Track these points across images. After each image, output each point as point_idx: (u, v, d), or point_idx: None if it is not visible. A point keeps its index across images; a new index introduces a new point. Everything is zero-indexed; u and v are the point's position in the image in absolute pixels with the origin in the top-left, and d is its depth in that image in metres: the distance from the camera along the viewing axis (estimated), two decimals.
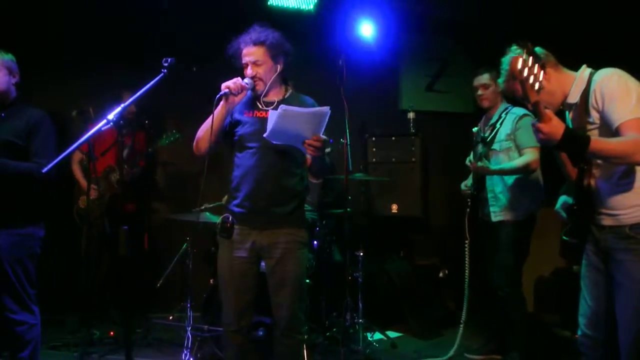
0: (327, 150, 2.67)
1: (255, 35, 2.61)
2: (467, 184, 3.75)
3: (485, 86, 3.69)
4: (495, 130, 3.61)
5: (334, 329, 4.04)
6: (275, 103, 2.64)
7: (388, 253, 5.03)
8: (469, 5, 4.98)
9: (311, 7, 4.96)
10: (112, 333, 4.19)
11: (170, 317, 4.36)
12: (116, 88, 4.41)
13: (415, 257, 5.26)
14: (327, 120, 2.42)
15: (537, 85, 1.92)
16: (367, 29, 5.02)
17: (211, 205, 4.18)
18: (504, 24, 4.83)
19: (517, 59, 1.90)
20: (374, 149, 5.12)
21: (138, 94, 2.17)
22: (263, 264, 2.69)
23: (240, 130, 2.64)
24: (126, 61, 4.75)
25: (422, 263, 5.09)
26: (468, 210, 3.59)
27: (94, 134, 2.01)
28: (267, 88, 2.64)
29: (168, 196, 5.14)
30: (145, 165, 4.64)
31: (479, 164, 3.47)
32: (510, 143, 3.53)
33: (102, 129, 2.04)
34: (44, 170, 1.95)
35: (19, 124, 2.85)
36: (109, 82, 4.60)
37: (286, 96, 2.72)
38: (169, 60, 2.32)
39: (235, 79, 2.54)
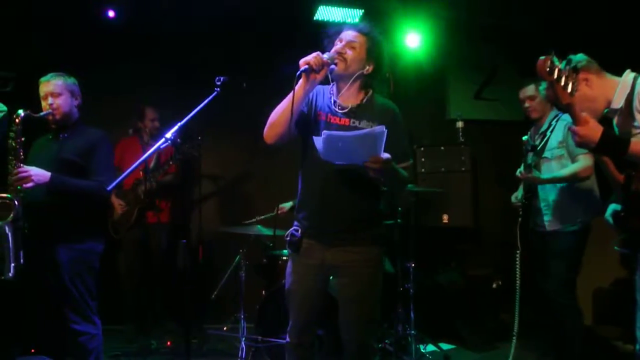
0: (405, 164, 2.41)
1: (361, 26, 2.46)
2: (517, 196, 3.69)
3: (531, 98, 3.64)
4: (546, 138, 3.54)
5: (386, 341, 4.02)
6: (349, 109, 2.41)
7: (439, 264, 4.98)
8: (516, 11, 4.91)
9: (357, 20, 5.01)
10: (169, 343, 4.31)
11: (225, 328, 4.45)
12: (168, 107, 4.58)
13: (467, 268, 5.17)
14: (384, 139, 2.12)
15: (570, 87, 1.89)
16: (413, 39, 5.03)
17: (262, 218, 4.26)
18: (553, 30, 4.74)
19: (544, 61, 1.88)
20: (423, 159, 5.10)
21: (194, 111, 2.23)
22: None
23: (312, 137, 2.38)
24: (178, 80, 4.92)
25: (475, 274, 4.98)
26: (520, 219, 3.52)
27: (154, 152, 2.09)
28: (349, 83, 2.39)
29: (219, 208, 5.27)
30: (177, 176, 4.71)
31: (530, 175, 3.40)
32: (563, 150, 3.45)
33: (162, 147, 2.11)
34: (109, 187, 2.05)
35: (80, 144, 2.99)
36: (163, 101, 4.78)
37: (363, 101, 2.43)
38: (222, 78, 2.37)
39: (315, 53, 2.27)
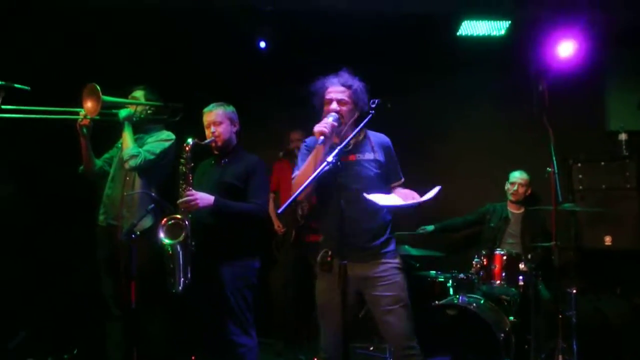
0: (399, 183, 2.92)
1: (344, 79, 2.79)
2: None
3: None
4: None
5: None
6: (351, 147, 2.76)
7: (602, 290, 4.54)
8: None
9: (502, 32, 4.80)
10: (315, 359, 4.39)
11: (371, 348, 4.44)
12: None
13: (635, 296, 4.65)
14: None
15: None
16: (566, 48, 4.69)
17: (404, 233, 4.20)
18: None
19: None
20: (580, 176, 4.70)
21: (353, 134, 2.27)
22: None
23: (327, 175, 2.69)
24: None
25: None
26: None
27: (318, 175, 2.16)
28: (345, 130, 2.72)
29: None
30: None
31: None
32: None
33: (324, 169, 2.17)
34: (280, 211, 2.16)
35: (239, 169, 3.21)
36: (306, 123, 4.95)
37: (360, 139, 2.83)
38: (376, 101, 2.41)
39: (323, 122, 2.59)
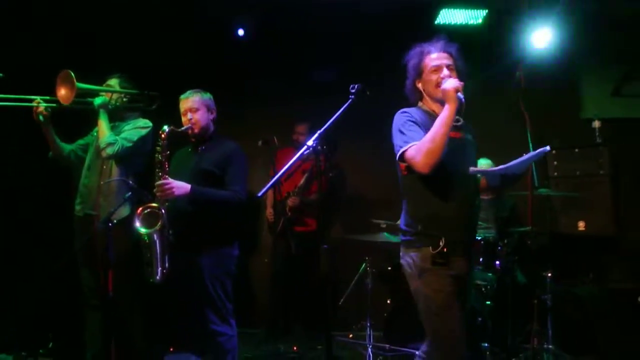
0: None
1: (445, 45, 2.51)
2: None
3: None
4: None
5: (520, 355, 3.81)
6: (462, 123, 2.49)
7: (576, 275, 4.63)
8: None
9: (479, 20, 4.84)
10: (295, 348, 4.41)
11: (350, 335, 4.47)
12: (293, 117, 4.71)
13: (608, 280, 4.75)
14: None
15: None
16: (541, 37, 4.74)
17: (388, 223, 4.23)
18: None
19: None
20: (555, 163, 4.79)
21: (331, 120, 2.24)
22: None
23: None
24: (302, 90, 5.05)
25: (617, 287, 4.57)
26: None
27: (297, 160, 2.15)
28: None
29: (344, 215, 5.28)
30: (328, 188, 4.83)
31: None
32: None
33: (304, 153, 2.16)
34: (259, 194, 2.13)
35: (216, 156, 3.17)
36: (286, 112, 4.93)
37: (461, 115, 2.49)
38: (356, 86, 2.37)
39: (455, 80, 2.36)
